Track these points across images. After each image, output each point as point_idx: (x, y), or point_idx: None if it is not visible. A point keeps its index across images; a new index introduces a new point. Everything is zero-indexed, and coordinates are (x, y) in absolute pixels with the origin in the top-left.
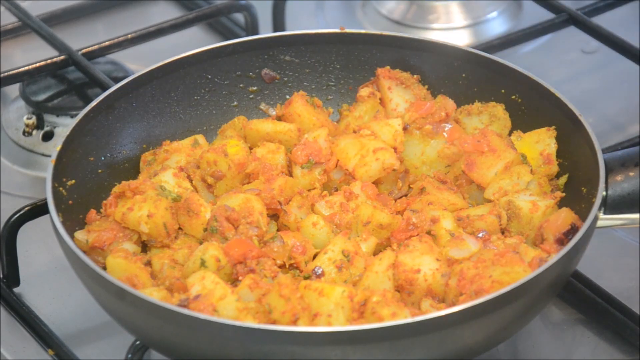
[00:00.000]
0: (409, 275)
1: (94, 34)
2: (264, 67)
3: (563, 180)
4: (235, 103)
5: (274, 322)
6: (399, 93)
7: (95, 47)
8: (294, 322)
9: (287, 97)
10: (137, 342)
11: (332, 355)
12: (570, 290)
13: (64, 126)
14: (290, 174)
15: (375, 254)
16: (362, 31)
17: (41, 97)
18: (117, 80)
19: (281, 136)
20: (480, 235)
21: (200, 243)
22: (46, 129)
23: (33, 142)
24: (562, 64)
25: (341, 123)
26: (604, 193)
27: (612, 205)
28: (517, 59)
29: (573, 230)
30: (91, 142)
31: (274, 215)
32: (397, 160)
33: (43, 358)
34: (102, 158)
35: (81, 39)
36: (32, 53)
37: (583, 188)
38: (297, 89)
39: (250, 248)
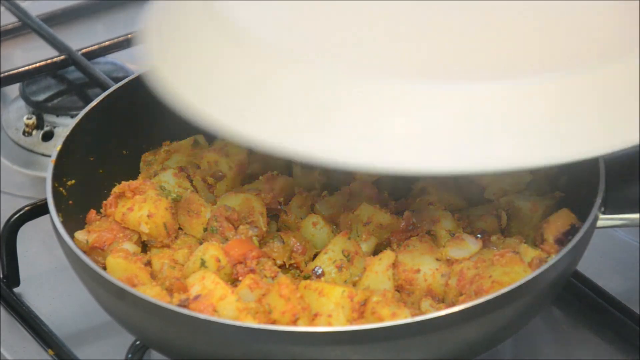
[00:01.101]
0: (409, 275)
1: (94, 34)
2: None
3: (563, 180)
4: None
5: (274, 322)
6: None
7: (95, 47)
8: (294, 322)
9: None
10: (137, 342)
11: (332, 355)
12: (570, 290)
13: (64, 126)
14: (290, 174)
15: (375, 254)
16: None
17: (41, 97)
18: (117, 80)
19: None
20: (479, 235)
21: (200, 243)
22: (46, 129)
23: (33, 142)
24: None
25: None
26: (604, 193)
27: (612, 205)
28: None
29: (573, 230)
30: (91, 142)
31: (274, 216)
32: None
33: (43, 358)
34: (102, 158)
35: (81, 39)
36: (32, 53)
37: (583, 188)
38: None
39: (250, 248)
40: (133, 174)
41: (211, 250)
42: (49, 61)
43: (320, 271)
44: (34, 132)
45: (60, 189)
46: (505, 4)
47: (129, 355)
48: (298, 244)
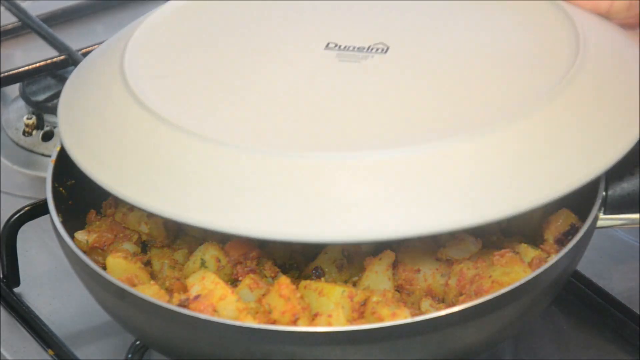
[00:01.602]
0: (409, 275)
1: (94, 34)
2: None
3: None
4: None
5: (274, 322)
6: None
7: (95, 47)
8: (294, 322)
9: None
10: (137, 342)
11: (332, 355)
12: (570, 290)
13: None
14: None
15: (375, 254)
16: None
17: (41, 97)
18: None
19: None
20: (479, 235)
21: (200, 243)
22: (46, 129)
23: (33, 142)
24: None
25: None
26: (604, 193)
27: (612, 205)
28: None
29: (573, 230)
30: None
31: None
32: None
33: (43, 358)
34: None
35: (81, 39)
36: (32, 53)
37: (583, 188)
38: None
39: (250, 248)
40: None
41: (211, 250)
42: (49, 61)
43: (320, 271)
44: (34, 132)
45: (60, 189)
46: (402, 71)
47: (129, 355)
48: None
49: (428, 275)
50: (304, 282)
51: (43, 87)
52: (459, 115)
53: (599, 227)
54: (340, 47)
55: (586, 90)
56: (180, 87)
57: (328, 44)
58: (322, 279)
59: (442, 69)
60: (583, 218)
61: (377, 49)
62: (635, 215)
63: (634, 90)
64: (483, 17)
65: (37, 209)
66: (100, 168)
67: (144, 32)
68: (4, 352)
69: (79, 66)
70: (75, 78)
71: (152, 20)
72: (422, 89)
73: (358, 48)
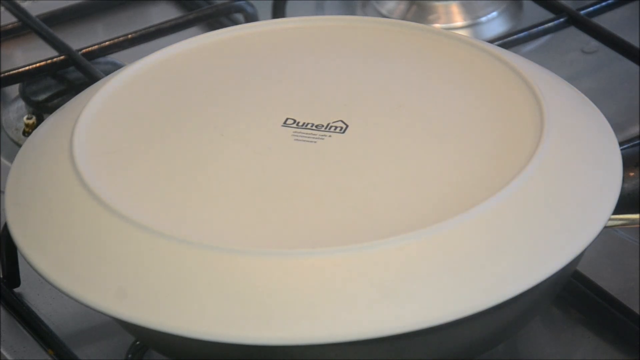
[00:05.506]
0: None
1: (94, 34)
2: None
3: None
4: None
5: None
6: None
7: (95, 47)
8: None
9: None
10: (137, 342)
11: (332, 355)
12: (570, 290)
13: None
14: None
15: None
16: None
17: (41, 97)
18: None
19: None
20: None
21: None
22: None
23: None
24: (562, 64)
25: None
26: None
27: None
28: None
29: None
30: None
31: None
32: None
33: (43, 358)
34: None
35: (81, 39)
36: (32, 53)
37: None
38: None
39: None
40: None
41: None
42: (49, 61)
43: None
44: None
45: None
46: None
47: (129, 355)
48: None
49: None
50: None
51: (43, 87)
52: (410, 209)
53: None
54: (298, 123)
55: (540, 192)
56: (129, 168)
57: (286, 119)
58: None
59: (399, 155)
60: None
61: (336, 128)
62: (635, 216)
63: (592, 185)
64: (450, 96)
65: None
66: (38, 250)
67: (99, 100)
68: (4, 352)
69: (33, 132)
70: (28, 145)
71: (109, 87)
72: (374, 180)
73: (316, 126)
